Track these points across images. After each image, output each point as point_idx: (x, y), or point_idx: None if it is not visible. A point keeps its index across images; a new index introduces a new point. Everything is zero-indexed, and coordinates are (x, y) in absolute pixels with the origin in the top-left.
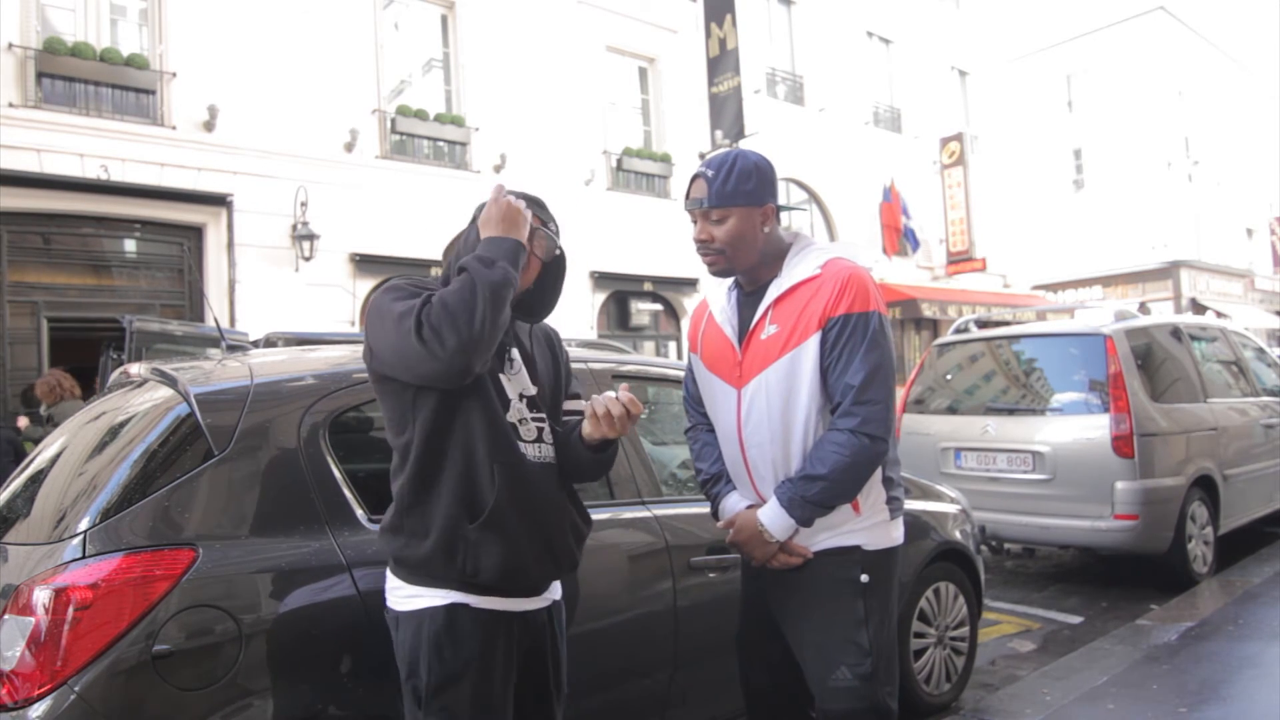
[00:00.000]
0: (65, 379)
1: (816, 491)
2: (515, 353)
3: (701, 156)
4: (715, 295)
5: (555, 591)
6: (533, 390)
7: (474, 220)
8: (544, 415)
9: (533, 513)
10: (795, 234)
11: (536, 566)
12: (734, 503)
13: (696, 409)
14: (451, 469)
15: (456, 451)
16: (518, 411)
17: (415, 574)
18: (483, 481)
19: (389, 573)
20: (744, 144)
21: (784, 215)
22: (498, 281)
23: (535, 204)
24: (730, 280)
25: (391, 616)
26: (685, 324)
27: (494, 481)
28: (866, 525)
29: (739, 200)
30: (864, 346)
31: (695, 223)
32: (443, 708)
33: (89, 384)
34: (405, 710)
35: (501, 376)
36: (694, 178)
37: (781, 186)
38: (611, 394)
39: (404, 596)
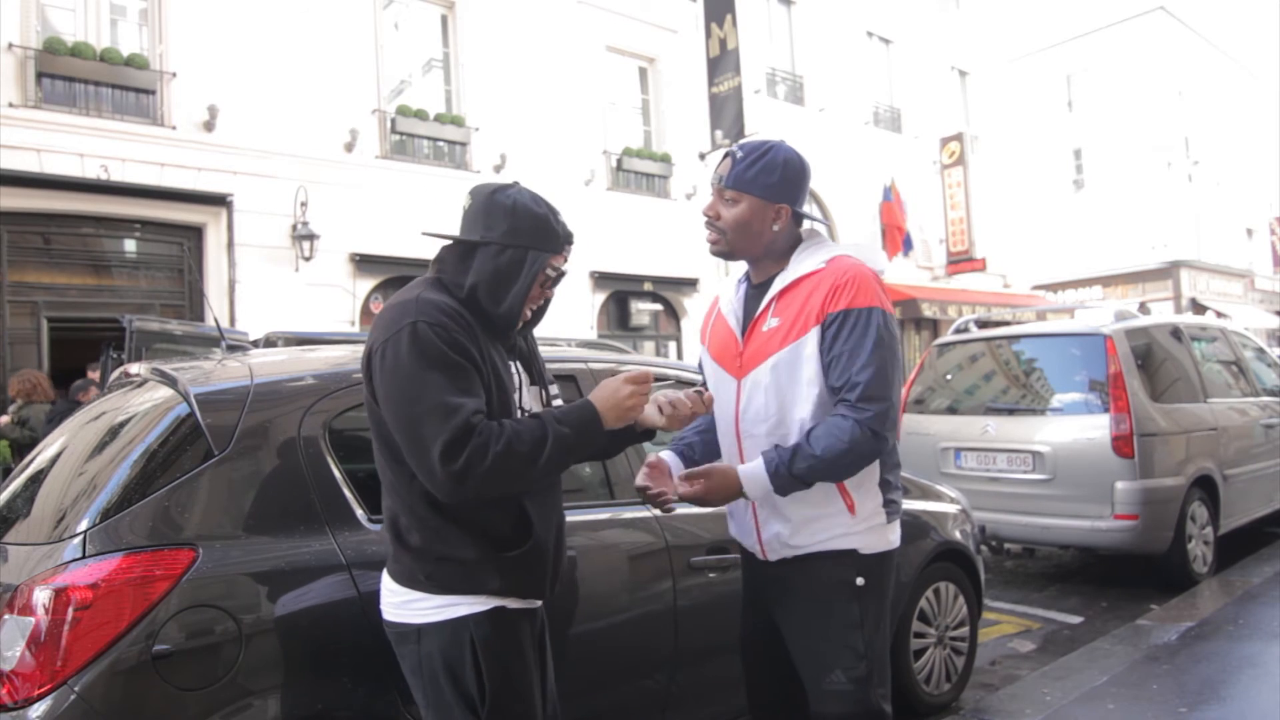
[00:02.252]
0: (42, 379)
1: (803, 468)
2: (516, 365)
3: (702, 157)
4: (726, 289)
5: None
6: (536, 404)
7: (473, 227)
8: None
9: (553, 526)
10: (810, 231)
11: (552, 572)
12: (671, 458)
13: None
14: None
15: None
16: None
17: (448, 587)
18: (514, 509)
19: (399, 586)
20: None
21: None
22: (554, 467)
23: (553, 213)
24: (742, 273)
25: (407, 630)
26: (685, 323)
27: (528, 509)
28: (862, 528)
29: (754, 189)
30: (870, 342)
31: (711, 197)
32: (510, 709)
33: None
34: None
35: (517, 396)
36: (725, 154)
37: None
38: (684, 396)
39: (432, 608)
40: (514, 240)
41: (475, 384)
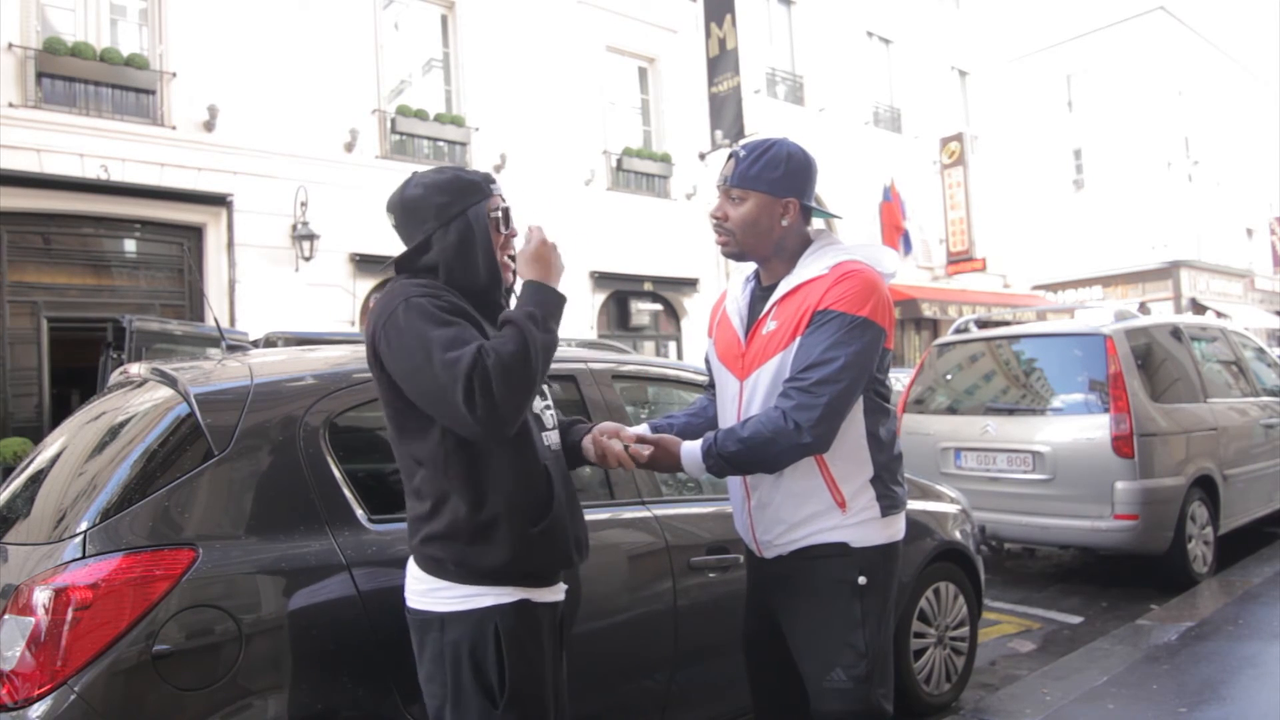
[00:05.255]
0: None
1: (731, 451)
2: None
3: (702, 157)
4: (734, 286)
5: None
6: None
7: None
8: (549, 400)
9: (570, 504)
10: (820, 231)
11: (576, 555)
12: (640, 430)
13: (709, 390)
14: (502, 470)
15: (504, 450)
16: (540, 400)
17: (474, 575)
18: (538, 481)
19: (423, 574)
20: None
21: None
22: (550, 346)
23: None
24: (751, 271)
25: (430, 618)
26: (685, 323)
27: (548, 481)
28: (853, 522)
29: (759, 186)
30: (831, 339)
31: (718, 199)
32: (527, 701)
33: (89, 384)
34: (455, 711)
35: None
36: (729, 155)
37: None
38: (620, 447)
39: (456, 597)
40: (448, 213)
41: (475, 334)
